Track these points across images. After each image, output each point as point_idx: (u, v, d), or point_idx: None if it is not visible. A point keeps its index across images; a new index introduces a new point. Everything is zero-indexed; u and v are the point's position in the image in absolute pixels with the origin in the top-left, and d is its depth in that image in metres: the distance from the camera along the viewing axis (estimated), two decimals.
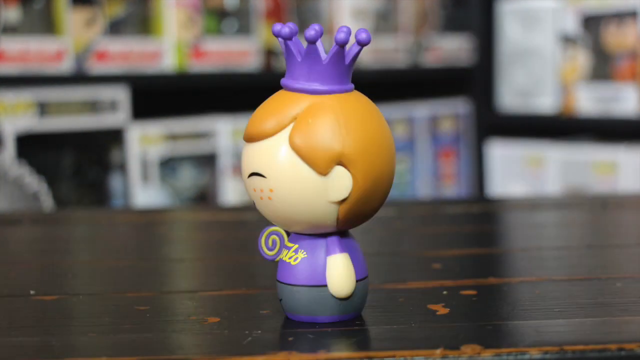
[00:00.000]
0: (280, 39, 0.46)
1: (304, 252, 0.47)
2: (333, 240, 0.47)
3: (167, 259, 0.67)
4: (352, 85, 0.47)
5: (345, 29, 0.45)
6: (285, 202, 0.46)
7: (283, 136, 0.45)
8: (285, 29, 0.46)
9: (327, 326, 0.47)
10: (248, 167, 0.46)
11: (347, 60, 0.46)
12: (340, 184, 0.45)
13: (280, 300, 0.48)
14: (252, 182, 0.46)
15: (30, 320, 0.50)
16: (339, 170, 0.45)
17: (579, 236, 0.75)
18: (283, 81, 0.47)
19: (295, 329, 0.47)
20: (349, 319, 0.48)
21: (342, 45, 0.45)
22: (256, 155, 0.46)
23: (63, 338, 0.46)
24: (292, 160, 0.45)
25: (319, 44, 0.46)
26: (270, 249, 0.48)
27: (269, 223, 0.49)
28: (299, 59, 0.46)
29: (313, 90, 0.46)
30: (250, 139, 0.47)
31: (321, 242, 0.47)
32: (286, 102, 0.46)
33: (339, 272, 0.47)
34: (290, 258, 0.47)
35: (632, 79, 1.58)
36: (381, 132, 0.47)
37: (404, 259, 0.63)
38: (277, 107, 0.46)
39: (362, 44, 0.46)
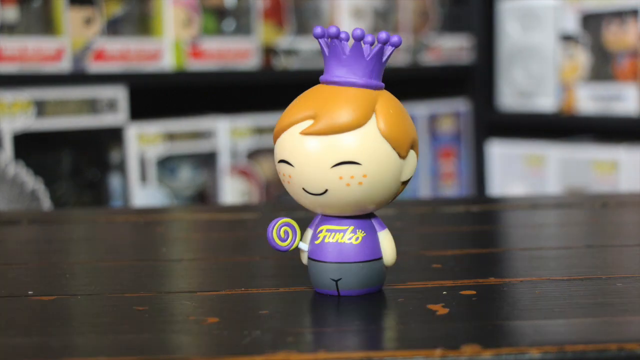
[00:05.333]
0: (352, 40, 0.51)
1: (362, 232, 0.52)
2: (377, 219, 0.53)
3: (166, 259, 0.67)
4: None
5: (384, 33, 0.51)
6: (375, 186, 0.50)
7: (371, 126, 0.50)
8: (359, 29, 0.50)
9: (326, 326, 0.47)
10: (336, 157, 0.50)
11: (384, 58, 0.52)
12: (411, 165, 0.52)
13: (338, 280, 0.52)
14: (340, 171, 0.50)
15: (28, 321, 0.50)
16: (411, 153, 0.51)
17: (579, 236, 0.75)
18: (334, 78, 0.51)
19: (295, 328, 0.47)
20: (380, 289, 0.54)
21: (384, 43, 0.51)
22: (346, 146, 0.49)
23: (61, 338, 0.46)
24: (383, 147, 0.50)
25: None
26: (283, 240, 0.52)
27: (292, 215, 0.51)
28: (367, 57, 0.51)
29: (369, 84, 0.51)
30: (336, 131, 0.49)
31: (368, 222, 0.53)
32: (358, 95, 0.50)
33: (392, 245, 0.53)
34: (350, 239, 0.52)
35: (633, 78, 1.57)
36: None
37: (404, 258, 0.63)
38: (354, 101, 0.50)
39: (395, 45, 0.51)
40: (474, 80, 1.80)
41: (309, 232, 0.53)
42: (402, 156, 0.51)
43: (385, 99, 0.51)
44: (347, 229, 0.52)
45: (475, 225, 0.79)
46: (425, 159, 1.74)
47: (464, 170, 1.83)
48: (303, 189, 0.51)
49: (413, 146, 0.51)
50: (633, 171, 1.55)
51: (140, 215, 0.87)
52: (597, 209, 0.84)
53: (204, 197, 1.45)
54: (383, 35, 0.51)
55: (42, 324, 0.49)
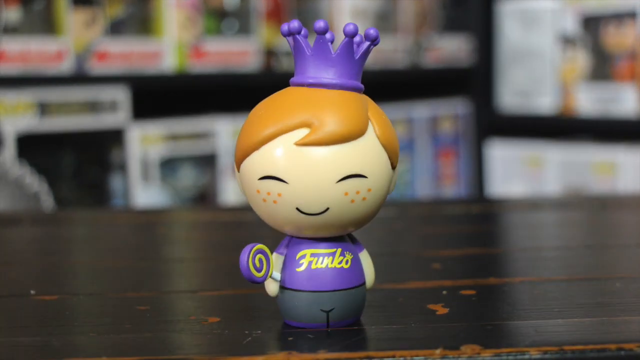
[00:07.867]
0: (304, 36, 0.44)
1: (350, 254, 0.46)
2: (355, 239, 0.47)
3: (167, 259, 0.67)
4: None
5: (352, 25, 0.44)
6: (375, 201, 0.44)
7: (370, 134, 0.44)
8: (320, 23, 0.43)
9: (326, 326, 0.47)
10: (342, 170, 0.43)
11: (360, 56, 0.45)
12: (396, 176, 0.46)
13: (330, 311, 0.46)
14: (345, 186, 0.43)
15: (30, 320, 0.50)
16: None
17: (578, 236, 0.75)
18: (322, 80, 0.44)
19: (294, 329, 0.47)
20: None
21: (372, 41, 0.45)
22: (353, 157, 0.43)
23: (63, 338, 0.46)
24: (382, 157, 0.44)
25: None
26: (258, 270, 0.45)
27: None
28: (356, 57, 0.44)
29: (357, 87, 0.44)
30: (340, 140, 0.43)
31: (349, 243, 0.46)
32: (353, 99, 0.44)
33: (372, 265, 0.47)
34: (340, 263, 0.45)
35: (632, 79, 1.58)
36: None
37: (404, 259, 0.63)
38: (353, 105, 0.43)
39: (372, 41, 0.44)
40: (474, 81, 1.81)
41: (279, 259, 0.46)
42: (394, 166, 0.45)
43: (372, 103, 0.45)
44: (336, 251, 0.45)
45: (475, 225, 0.80)
46: (425, 159, 1.74)
47: (463, 170, 1.83)
48: (297, 208, 0.43)
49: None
50: (632, 172, 1.55)
51: (141, 216, 0.87)
52: (596, 209, 0.84)
53: (205, 197, 1.45)
54: (372, 32, 0.44)
55: (44, 323, 0.49)
